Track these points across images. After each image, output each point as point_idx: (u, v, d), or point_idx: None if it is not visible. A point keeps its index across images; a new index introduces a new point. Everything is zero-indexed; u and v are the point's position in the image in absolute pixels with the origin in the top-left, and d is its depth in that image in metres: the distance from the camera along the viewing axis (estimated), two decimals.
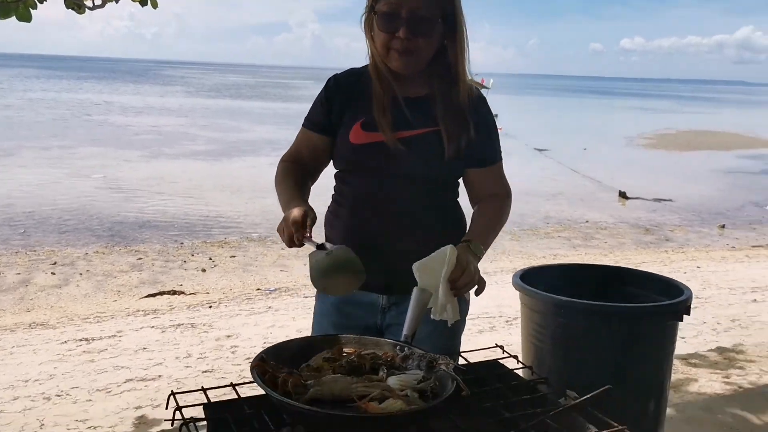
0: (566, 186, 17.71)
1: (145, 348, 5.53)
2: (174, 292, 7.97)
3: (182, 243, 10.19)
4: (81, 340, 5.87)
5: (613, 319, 1.73)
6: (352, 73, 1.76)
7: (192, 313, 6.79)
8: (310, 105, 1.79)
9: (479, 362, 1.38)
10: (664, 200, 15.99)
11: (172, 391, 1.22)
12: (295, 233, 1.46)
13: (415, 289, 1.45)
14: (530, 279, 1.96)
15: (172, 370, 4.86)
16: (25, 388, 4.55)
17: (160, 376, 4.75)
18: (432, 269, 1.44)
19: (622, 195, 16.26)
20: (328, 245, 1.44)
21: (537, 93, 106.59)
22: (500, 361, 1.41)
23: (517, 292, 1.96)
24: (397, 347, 1.31)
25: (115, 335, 6.02)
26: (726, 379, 3.57)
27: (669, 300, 1.74)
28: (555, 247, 11.43)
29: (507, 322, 5.91)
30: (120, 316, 6.90)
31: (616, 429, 1.13)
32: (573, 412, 1.19)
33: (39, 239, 10.22)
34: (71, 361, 5.24)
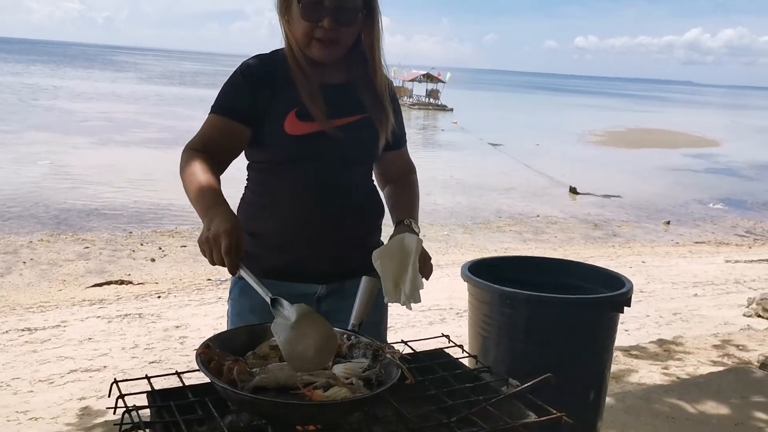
0: (519, 181, 17.98)
1: (90, 338, 5.42)
2: (122, 282, 7.81)
3: (131, 232, 9.99)
4: (23, 330, 5.71)
5: (556, 309, 1.78)
6: (266, 59, 1.68)
7: (140, 303, 6.68)
8: (222, 89, 1.67)
9: (425, 351, 1.41)
10: (613, 196, 16.38)
11: (115, 378, 1.21)
12: (230, 263, 1.30)
13: (363, 278, 1.46)
14: (478, 271, 1.99)
15: (118, 361, 4.79)
16: None
17: (105, 366, 4.68)
18: (395, 257, 1.46)
19: (573, 190, 16.59)
20: (285, 305, 1.26)
21: (492, 88, 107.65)
22: (446, 350, 1.43)
23: (467, 284, 1.98)
24: (344, 336, 1.32)
25: (59, 325, 5.87)
26: (665, 370, 3.69)
27: (611, 292, 1.80)
28: (506, 241, 11.61)
29: (457, 314, 5.98)
30: (65, 305, 6.74)
31: (554, 416, 1.17)
32: (513, 399, 1.22)
33: None
34: (12, 351, 5.11)
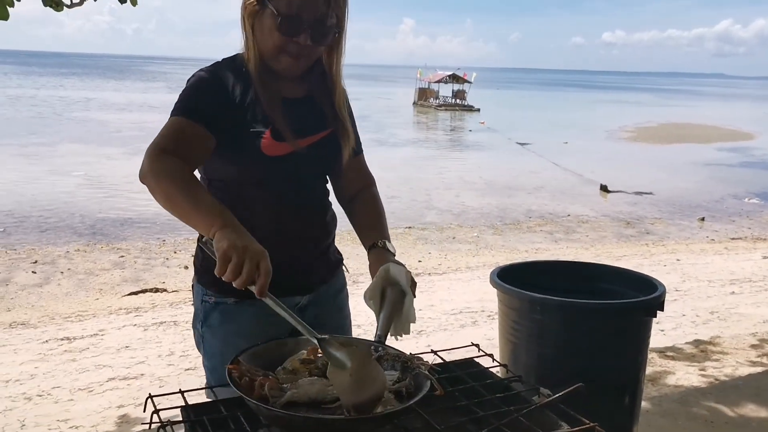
0: (548, 180, 17.83)
1: (127, 346, 5.50)
2: (156, 290, 7.93)
3: (164, 240, 10.13)
4: (62, 339, 5.82)
5: (587, 315, 1.76)
6: (226, 68, 1.58)
7: (174, 311, 6.76)
8: (186, 93, 1.56)
9: (454, 361, 1.41)
10: (645, 193, 16.15)
11: (149, 394, 1.23)
12: (263, 285, 1.25)
13: (388, 290, 1.46)
14: (507, 276, 1.98)
15: (154, 369, 4.85)
16: (5, 389, 4.52)
17: (142, 374, 4.74)
18: (386, 293, 1.45)
19: (604, 188, 16.39)
20: (331, 343, 1.22)
21: (519, 87, 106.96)
22: (476, 359, 1.43)
23: (496, 291, 1.98)
24: (371, 347, 1.33)
25: (96, 334, 5.98)
26: (702, 372, 3.63)
27: (643, 296, 1.77)
28: (537, 241, 11.51)
29: (489, 317, 5.95)
30: (102, 314, 6.85)
31: (587, 426, 1.16)
32: (545, 409, 1.22)
33: (19, 238, 10.13)
34: (52, 360, 5.21)
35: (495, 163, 21.19)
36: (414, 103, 45.68)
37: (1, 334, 6.24)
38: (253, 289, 1.25)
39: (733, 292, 7.66)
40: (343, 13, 1.55)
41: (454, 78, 44.96)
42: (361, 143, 1.78)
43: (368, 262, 1.63)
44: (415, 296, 1.50)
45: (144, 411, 1.20)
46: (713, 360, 3.88)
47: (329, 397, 1.15)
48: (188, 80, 1.59)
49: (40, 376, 4.80)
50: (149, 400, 1.20)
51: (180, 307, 7.01)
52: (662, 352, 4.11)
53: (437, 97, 45.27)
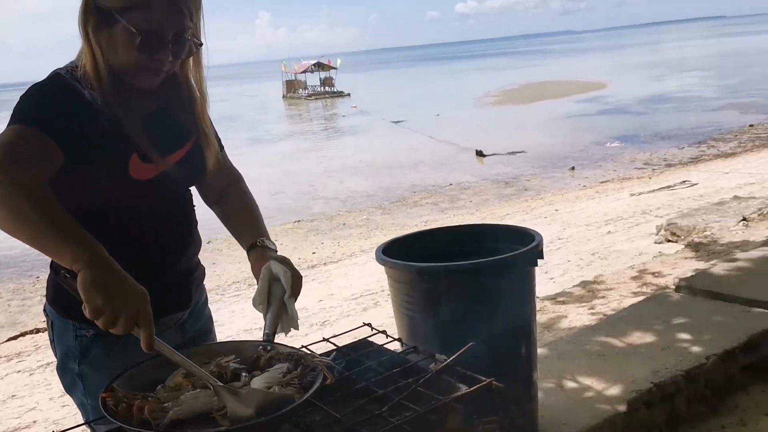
0: (426, 153, 18.21)
1: (14, 395, 5.15)
2: (38, 330, 7.41)
3: (38, 277, 9.47)
4: None
5: (472, 275, 1.78)
6: (67, 83, 1.37)
7: None
8: (33, 98, 1.34)
9: (348, 345, 1.37)
10: (518, 152, 16.82)
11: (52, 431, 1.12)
12: (150, 335, 1.12)
13: (274, 287, 1.41)
14: (394, 251, 1.97)
15: (47, 413, 4.56)
16: None
17: (35, 421, 4.47)
18: (271, 294, 1.39)
19: (479, 153, 16.94)
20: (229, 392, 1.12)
21: (384, 67, 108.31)
22: (369, 338, 1.40)
23: (384, 268, 1.96)
24: (260, 348, 1.27)
25: None
26: (591, 311, 3.82)
27: (523, 248, 1.82)
28: (425, 214, 11.74)
29: (389, 295, 5.99)
30: None
31: (484, 383, 1.16)
32: (442, 375, 1.21)
33: None
34: None
35: (373, 144, 21.38)
36: (283, 96, 45.18)
37: None
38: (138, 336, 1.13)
39: (609, 232, 8.15)
40: (199, 19, 1.42)
41: (320, 66, 44.85)
42: (220, 139, 1.66)
43: (250, 264, 1.54)
44: (298, 292, 1.44)
45: None
46: (600, 297, 4.10)
47: (216, 407, 1.08)
48: (27, 90, 1.36)
49: None
50: None
51: None
52: (554, 298, 4.29)
53: (306, 88, 45.01)
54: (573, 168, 14.50)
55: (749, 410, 2.32)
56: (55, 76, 1.38)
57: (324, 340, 1.39)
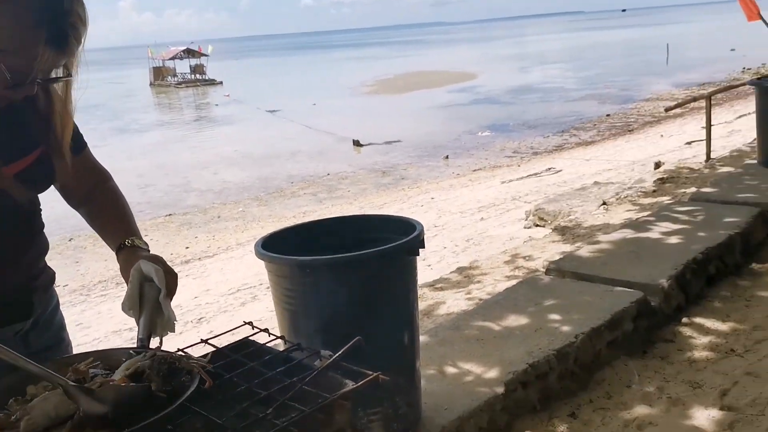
0: (303, 143, 18.08)
1: None
2: None
3: None
4: None
5: (354, 267, 1.76)
6: None
7: None
8: None
9: (227, 345, 1.31)
10: (394, 142, 17.08)
11: None
12: None
13: (146, 288, 1.31)
14: (273, 246, 1.91)
15: None
16: None
17: None
18: (143, 297, 1.30)
19: (356, 143, 17.04)
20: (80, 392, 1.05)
21: (257, 55, 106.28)
22: (251, 338, 1.35)
23: (263, 262, 1.90)
24: (131, 353, 1.18)
25: None
26: (468, 295, 3.94)
27: (404, 238, 1.82)
28: (303, 205, 11.65)
29: (268, 288, 5.89)
30: None
31: (370, 377, 1.15)
32: (328, 371, 1.18)
33: None
34: None
35: (248, 134, 20.95)
36: (151, 84, 43.21)
37: None
38: None
39: (482, 218, 8.46)
40: (81, 43, 1.28)
41: (190, 53, 43.30)
42: (82, 136, 1.52)
43: (119, 266, 1.44)
44: (174, 290, 1.35)
45: None
46: (476, 282, 4.22)
47: (72, 408, 0.99)
48: None
49: None
50: None
51: None
52: (432, 285, 4.38)
53: (175, 75, 43.31)
54: (447, 157, 14.92)
55: (614, 384, 2.47)
56: None
57: (202, 341, 1.32)
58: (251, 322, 1.38)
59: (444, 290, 4.19)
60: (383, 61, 57.74)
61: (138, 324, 1.28)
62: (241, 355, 1.28)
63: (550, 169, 11.49)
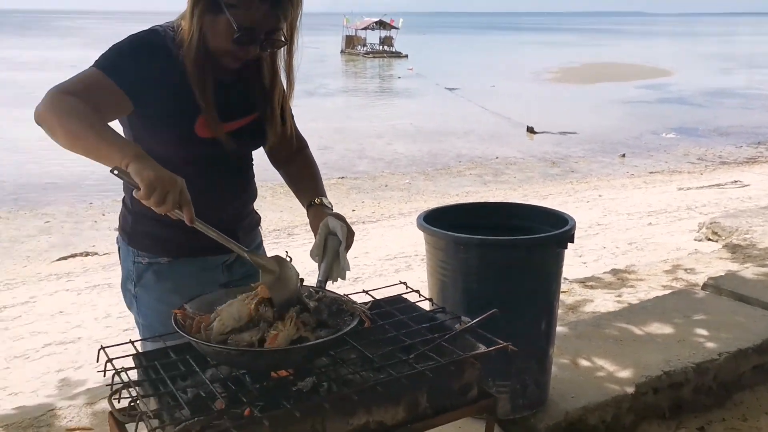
0: (476, 124, 18.12)
1: (61, 312, 5.45)
2: (87, 254, 7.79)
3: (91, 203, 9.89)
4: None
5: (504, 250, 1.92)
6: (161, 41, 1.57)
7: (108, 273, 6.68)
8: (115, 52, 1.53)
9: (385, 298, 1.54)
10: (570, 133, 16.64)
11: (101, 345, 1.31)
12: (191, 211, 1.33)
13: (329, 240, 1.58)
14: (434, 219, 2.11)
15: (91, 331, 4.83)
16: None
17: (80, 338, 4.72)
18: (327, 247, 1.57)
19: (530, 130, 16.80)
20: (257, 255, 1.44)
21: (447, 31, 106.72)
22: (404, 295, 1.56)
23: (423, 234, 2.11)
24: (311, 291, 1.44)
25: (28, 301, 5.88)
26: (618, 298, 3.92)
27: (555, 230, 1.94)
28: (467, 185, 11.79)
29: (422, 260, 6.13)
30: (32, 281, 6.72)
31: (501, 346, 1.31)
32: (465, 334, 1.36)
33: None
34: None
35: (425, 109, 21.32)
36: (341, 51, 45.08)
37: None
38: (180, 216, 1.32)
39: (650, 223, 8.12)
40: (297, 17, 1.58)
41: (381, 24, 44.51)
42: (290, 108, 1.80)
43: (308, 220, 1.72)
44: (351, 245, 1.61)
45: (97, 361, 1.28)
46: (628, 286, 4.18)
47: (249, 315, 1.27)
48: (122, 40, 1.56)
49: None
50: (101, 350, 1.28)
51: (113, 269, 6.92)
52: (583, 282, 4.39)
53: (365, 45, 44.80)
54: (624, 155, 14.32)
55: (753, 408, 2.43)
56: (150, 32, 1.58)
57: (364, 291, 1.56)
58: (405, 282, 1.59)
59: (594, 289, 4.20)
60: (572, 48, 55.74)
61: (319, 268, 1.55)
62: (394, 308, 1.49)
63: (736, 182, 10.68)
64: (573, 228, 1.95)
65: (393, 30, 44.59)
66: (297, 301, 1.36)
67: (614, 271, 4.59)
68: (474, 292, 1.94)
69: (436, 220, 2.10)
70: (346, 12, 50.57)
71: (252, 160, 1.80)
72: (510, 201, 2.64)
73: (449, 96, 24.35)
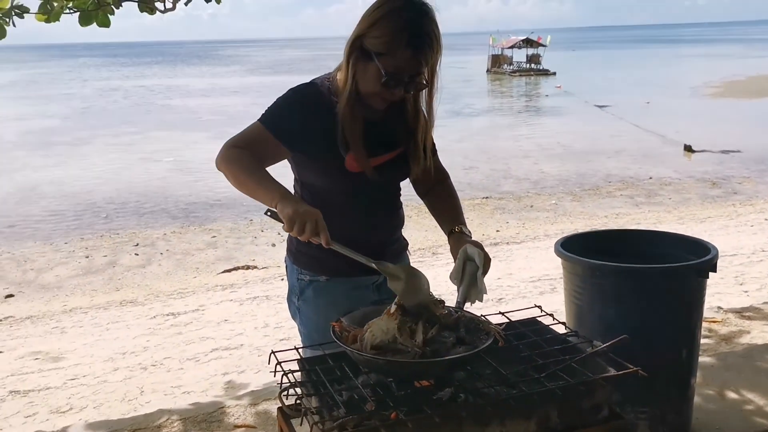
0: (629, 142, 17.43)
1: (226, 320, 5.93)
2: (248, 267, 8.41)
3: (251, 220, 10.66)
4: (168, 315, 6.33)
5: (639, 278, 1.95)
6: (319, 89, 1.84)
7: (266, 286, 7.19)
8: (275, 105, 1.84)
9: (519, 320, 1.65)
10: (732, 152, 15.58)
11: (272, 350, 1.54)
12: (327, 235, 1.59)
13: (467, 265, 1.73)
14: (572, 245, 2.18)
15: (252, 339, 5.22)
16: (123, 360, 5.00)
17: (242, 344, 5.11)
18: (466, 272, 1.74)
19: (688, 148, 15.91)
20: (388, 266, 1.65)
21: (597, 47, 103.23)
22: (538, 318, 1.66)
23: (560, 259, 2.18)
24: (451, 311, 1.59)
25: (198, 309, 6.46)
26: None
27: (696, 259, 1.94)
28: (617, 206, 11.38)
29: None
30: (201, 291, 7.37)
31: (630, 371, 1.38)
32: (596, 357, 1.44)
33: (121, 223, 10.91)
34: (161, 334, 5.69)
35: (573, 127, 20.82)
36: (487, 70, 45.08)
37: (113, 311, 6.85)
38: (320, 241, 1.59)
39: None
40: (437, 62, 1.80)
41: (528, 42, 44.04)
42: (435, 148, 2.02)
43: (449, 246, 1.91)
44: (488, 270, 1.76)
45: (268, 363, 1.50)
46: None
47: (395, 327, 1.43)
48: (286, 92, 1.86)
49: (152, 348, 5.27)
50: (272, 354, 1.50)
51: (271, 282, 7.45)
52: (740, 312, 4.17)
53: (511, 63, 44.51)
54: None
55: None
56: (309, 85, 1.88)
57: (500, 313, 1.68)
58: (540, 306, 1.69)
59: (753, 320, 3.98)
60: (737, 61, 51.89)
61: (458, 291, 1.70)
62: (528, 329, 1.60)
63: None
64: (715, 257, 1.95)
65: (540, 47, 43.93)
66: (427, 309, 1.53)
67: None
68: (609, 319, 1.98)
69: (574, 246, 2.17)
70: (492, 31, 50.49)
71: (399, 190, 2.00)
72: (656, 228, 2.62)
73: (599, 114, 23.59)
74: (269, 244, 9.40)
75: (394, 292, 1.60)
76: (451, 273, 1.76)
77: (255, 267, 8.45)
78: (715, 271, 1.94)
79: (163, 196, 12.64)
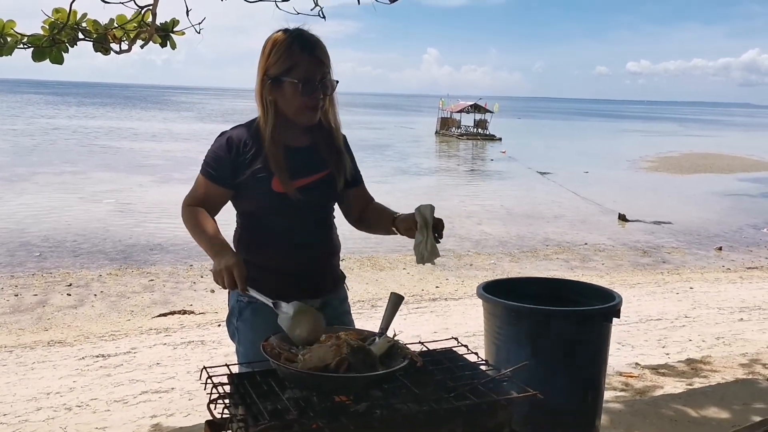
0: (567, 209, 18.07)
1: (158, 363, 5.85)
2: (184, 312, 8.32)
3: (191, 265, 10.57)
4: (98, 356, 6.20)
5: (552, 320, 2.12)
6: (245, 130, 2.10)
7: (202, 331, 7.13)
8: (209, 153, 2.10)
9: (436, 349, 1.78)
10: (664, 223, 16.32)
11: (204, 366, 1.63)
12: (242, 285, 1.83)
13: (391, 294, 1.86)
14: (494, 290, 2.35)
15: (183, 383, 5.16)
16: (47, 400, 4.88)
17: (173, 388, 5.06)
18: (419, 227, 1.93)
19: (622, 218, 16.60)
20: (282, 305, 1.82)
21: (542, 116, 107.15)
22: (454, 349, 1.80)
23: (482, 302, 2.34)
24: (374, 338, 1.71)
25: (129, 351, 6.35)
26: (689, 386, 3.90)
27: (602, 305, 2.13)
28: (553, 269, 11.74)
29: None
30: (134, 334, 7.24)
31: (529, 394, 1.52)
32: (501, 381, 1.58)
33: (54, 262, 10.65)
34: (89, 375, 5.57)
35: (516, 192, 21.47)
36: (436, 132, 46.22)
37: (40, 351, 6.66)
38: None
39: (742, 319, 7.84)
40: (329, 66, 2.05)
41: (476, 108, 45.43)
42: (360, 175, 2.25)
43: (399, 231, 2.08)
44: (442, 229, 2.00)
45: (200, 379, 1.59)
46: (701, 377, 4.15)
47: (334, 357, 1.54)
48: (216, 139, 2.11)
49: (78, 389, 5.15)
50: (204, 370, 1.59)
51: (207, 327, 7.39)
52: (656, 369, 4.40)
53: (459, 127, 45.76)
54: (720, 248, 13.88)
55: None
56: (236, 127, 2.15)
57: (419, 342, 1.81)
58: (457, 338, 1.84)
59: (666, 376, 4.21)
60: (672, 138, 54.68)
61: (383, 318, 1.83)
62: (444, 357, 1.74)
63: None
64: (619, 304, 2.14)
65: (488, 114, 45.36)
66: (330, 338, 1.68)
67: (689, 361, 4.58)
68: (522, 356, 2.14)
69: (495, 291, 2.34)
70: (444, 94, 51.95)
71: (331, 213, 2.17)
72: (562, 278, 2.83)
73: (541, 180, 24.42)
74: (208, 290, 9.33)
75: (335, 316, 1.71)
76: (416, 234, 1.94)
77: (192, 312, 8.36)
78: (618, 316, 2.13)
79: (102, 237, 12.41)
